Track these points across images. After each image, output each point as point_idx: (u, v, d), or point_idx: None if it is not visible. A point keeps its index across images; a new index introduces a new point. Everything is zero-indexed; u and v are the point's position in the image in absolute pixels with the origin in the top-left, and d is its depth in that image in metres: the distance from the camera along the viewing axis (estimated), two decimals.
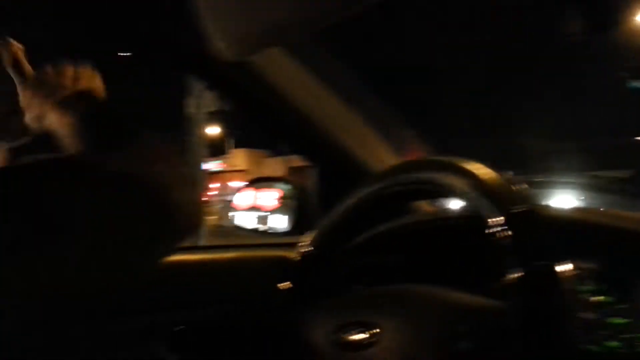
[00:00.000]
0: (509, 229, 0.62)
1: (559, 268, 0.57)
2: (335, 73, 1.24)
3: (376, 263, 1.00)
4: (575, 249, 0.65)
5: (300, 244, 0.96)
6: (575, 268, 0.59)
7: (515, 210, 0.63)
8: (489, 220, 0.64)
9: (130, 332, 1.00)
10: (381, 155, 1.24)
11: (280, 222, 1.48)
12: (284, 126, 1.21)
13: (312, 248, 0.94)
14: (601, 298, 0.73)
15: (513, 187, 0.66)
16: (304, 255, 0.95)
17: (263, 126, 1.31)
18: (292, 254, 0.99)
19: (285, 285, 0.94)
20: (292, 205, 1.46)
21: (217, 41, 0.88)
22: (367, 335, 0.73)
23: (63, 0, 1.13)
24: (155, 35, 1.15)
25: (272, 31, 0.84)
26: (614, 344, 0.70)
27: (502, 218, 0.63)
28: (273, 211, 1.45)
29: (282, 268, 0.99)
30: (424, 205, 1.18)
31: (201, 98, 9.22)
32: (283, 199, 1.50)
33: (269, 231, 1.43)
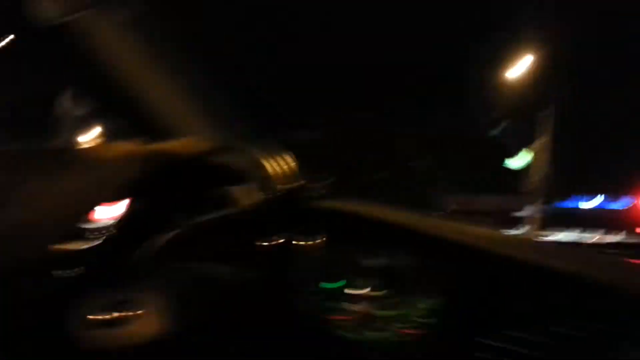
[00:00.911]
0: (267, 207, 0.63)
1: (298, 243, 0.59)
2: (162, 42, 1.20)
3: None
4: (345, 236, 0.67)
5: None
6: (318, 244, 0.61)
7: (275, 191, 0.64)
8: (256, 198, 0.65)
9: None
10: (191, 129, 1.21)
11: None
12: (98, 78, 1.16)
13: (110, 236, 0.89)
14: (372, 292, 0.76)
15: (280, 169, 0.67)
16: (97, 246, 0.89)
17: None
18: None
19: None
20: None
21: (35, 3, 0.83)
22: (122, 312, 0.71)
23: None
24: None
25: None
26: (381, 334, 0.73)
27: (263, 197, 0.64)
28: None
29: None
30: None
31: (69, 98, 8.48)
32: None
33: None
